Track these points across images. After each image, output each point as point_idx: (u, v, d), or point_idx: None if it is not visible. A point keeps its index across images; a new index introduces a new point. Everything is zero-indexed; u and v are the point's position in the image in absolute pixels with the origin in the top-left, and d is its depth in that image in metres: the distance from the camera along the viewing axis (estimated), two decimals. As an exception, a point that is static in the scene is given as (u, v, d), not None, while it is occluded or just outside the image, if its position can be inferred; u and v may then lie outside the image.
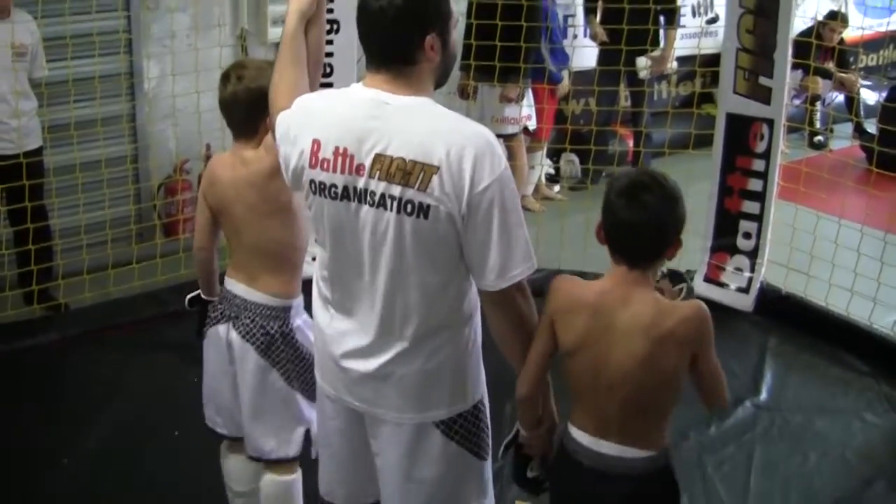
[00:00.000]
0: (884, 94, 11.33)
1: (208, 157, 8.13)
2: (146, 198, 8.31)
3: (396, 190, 3.18)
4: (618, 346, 3.38)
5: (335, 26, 7.17)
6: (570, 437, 3.56)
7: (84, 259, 7.36)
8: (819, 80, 10.61)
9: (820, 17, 10.31)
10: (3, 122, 6.82)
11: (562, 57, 9.46)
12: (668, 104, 10.59)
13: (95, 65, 7.38)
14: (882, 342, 6.85)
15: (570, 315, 3.45)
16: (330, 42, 7.15)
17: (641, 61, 9.38)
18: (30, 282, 7.16)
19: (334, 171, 3.27)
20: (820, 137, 11.02)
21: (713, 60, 8.64)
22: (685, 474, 4.08)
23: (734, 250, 7.44)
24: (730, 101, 7.33)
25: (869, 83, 12.18)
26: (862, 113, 10.91)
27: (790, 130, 8.66)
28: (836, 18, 11.04)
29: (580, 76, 9.71)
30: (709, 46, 10.15)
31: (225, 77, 4.37)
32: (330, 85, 7.15)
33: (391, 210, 3.21)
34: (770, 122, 7.14)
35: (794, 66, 7.86)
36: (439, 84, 3.43)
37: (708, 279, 7.46)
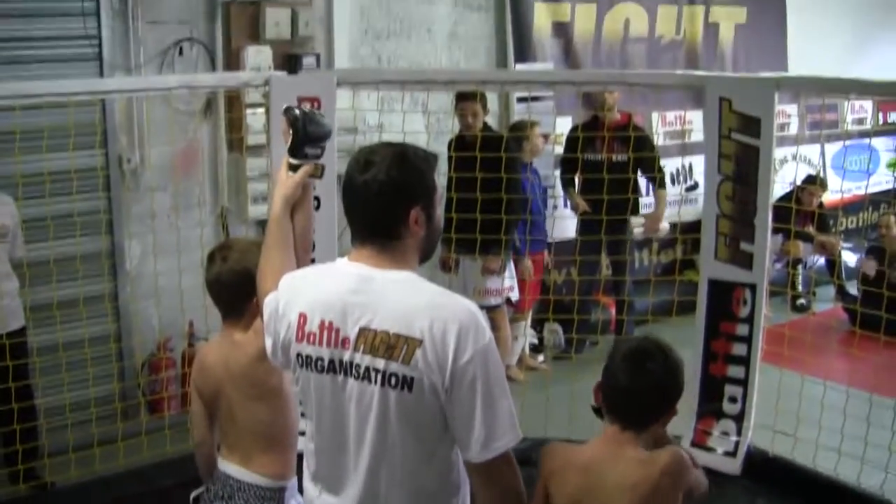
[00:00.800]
0: (862, 255, 11.45)
1: (191, 335, 8.17)
2: (130, 376, 8.29)
3: (381, 363, 3.22)
4: (612, 500, 3.42)
5: (316, 202, 7.22)
6: None
7: (69, 438, 7.28)
8: (800, 243, 10.70)
9: (798, 182, 10.43)
10: (-14, 302, 6.82)
11: (541, 229, 9.53)
12: (649, 272, 10.63)
13: (77, 245, 7.41)
14: (871, 502, 6.77)
15: (563, 475, 3.51)
16: (311, 218, 7.20)
17: (635, 221, 9.44)
18: (15, 461, 7.07)
19: (320, 344, 3.30)
20: (802, 301, 11.05)
21: (694, 227, 8.69)
22: None
23: (720, 415, 7.38)
24: (712, 267, 7.34)
25: (849, 245, 12.28)
26: (843, 275, 11.00)
27: (772, 294, 8.67)
28: (814, 182, 11.19)
29: (561, 246, 9.77)
30: (689, 213, 10.24)
31: (210, 258, 4.44)
32: (312, 261, 7.18)
33: (375, 383, 3.23)
34: (752, 287, 7.15)
35: (775, 231, 7.91)
36: (425, 257, 3.48)
37: (695, 444, 7.39)
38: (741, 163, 7.03)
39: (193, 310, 7.79)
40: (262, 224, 8.66)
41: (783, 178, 10.43)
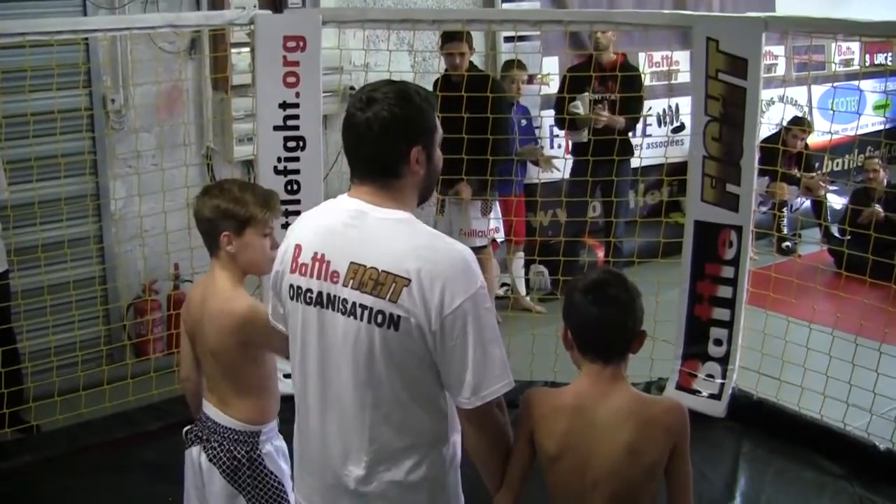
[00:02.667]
0: (846, 198, 11.45)
1: (177, 277, 8.15)
2: (115, 319, 8.27)
3: (368, 299, 3.24)
4: (602, 440, 3.41)
5: (301, 143, 7.20)
6: None
7: (55, 381, 7.29)
8: (785, 186, 10.67)
9: (785, 124, 10.40)
10: (-32, 246, 6.78)
11: (521, 169, 9.52)
12: (636, 213, 10.62)
13: (61, 186, 7.35)
14: (855, 444, 6.80)
15: (550, 421, 3.48)
16: (296, 159, 7.19)
17: (577, 105, 9.40)
18: (0, 405, 7.06)
19: (311, 276, 3.34)
20: (788, 243, 11.08)
21: (680, 169, 8.67)
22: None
23: (705, 357, 7.41)
24: (698, 209, 7.34)
25: (835, 188, 12.26)
26: (829, 217, 10.99)
27: (758, 237, 8.67)
28: (801, 124, 11.16)
29: (547, 188, 9.76)
30: (675, 155, 10.21)
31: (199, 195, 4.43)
32: (298, 202, 7.17)
33: (362, 319, 3.25)
34: (738, 229, 7.15)
35: (761, 173, 7.89)
36: (423, 198, 3.49)
37: (680, 387, 7.41)
38: (728, 104, 7.00)
39: (179, 252, 7.77)
40: (247, 164, 8.64)
41: (770, 119, 10.42)
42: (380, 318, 3.22)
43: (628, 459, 3.39)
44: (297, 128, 7.24)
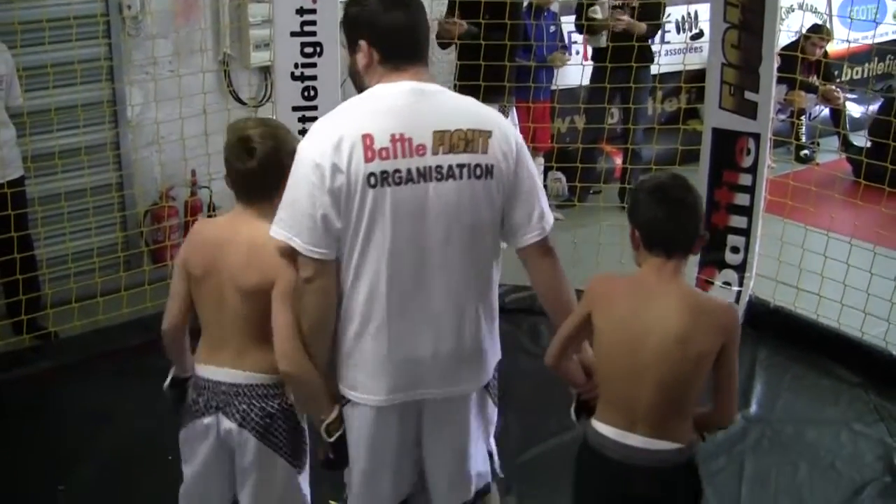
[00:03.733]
0: (874, 107, 11.35)
1: (194, 184, 8.13)
2: (132, 225, 8.27)
3: (464, 158, 3.51)
4: (655, 326, 3.51)
5: (318, 49, 7.16)
6: (595, 433, 3.67)
7: (72, 288, 7.31)
8: (804, 93, 10.59)
9: (804, 31, 10.32)
10: (-18, 151, 6.79)
11: (547, 75, 9.44)
12: (654, 121, 10.57)
13: (77, 93, 7.36)
14: (872, 352, 6.84)
15: (609, 298, 3.66)
16: (313, 65, 7.15)
17: (595, 10, 9.38)
18: (18, 312, 7.11)
19: (395, 157, 3.43)
20: (806, 151, 11.03)
21: (698, 76, 8.62)
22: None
23: (722, 265, 7.42)
24: (716, 116, 7.31)
25: (854, 96, 12.19)
26: (848, 126, 10.93)
27: (776, 145, 8.65)
28: (820, 32, 11.04)
29: (565, 94, 9.70)
30: (694, 62, 10.14)
31: (240, 148, 3.90)
32: (314, 108, 7.14)
33: (461, 178, 3.51)
34: (756, 137, 7.12)
35: (779, 81, 7.85)
36: None
37: (697, 294, 7.42)
38: (747, 11, 6.94)
39: (195, 158, 7.77)
40: (263, 70, 8.59)
41: (789, 26, 10.34)
42: (478, 170, 3.51)
43: (677, 348, 3.46)
44: (314, 34, 7.18)
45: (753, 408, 6.42)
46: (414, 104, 3.49)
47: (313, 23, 7.13)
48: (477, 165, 3.49)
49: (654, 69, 9.49)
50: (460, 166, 3.47)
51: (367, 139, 3.40)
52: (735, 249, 7.35)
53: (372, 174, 3.40)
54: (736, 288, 7.35)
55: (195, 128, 7.67)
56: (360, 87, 3.65)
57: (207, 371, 3.99)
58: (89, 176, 7.51)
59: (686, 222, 3.58)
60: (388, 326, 3.57)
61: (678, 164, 8.24)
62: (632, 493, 3.60)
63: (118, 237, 8.03)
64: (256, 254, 3.77)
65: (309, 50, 7.18)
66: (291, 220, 3.48)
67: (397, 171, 3.42)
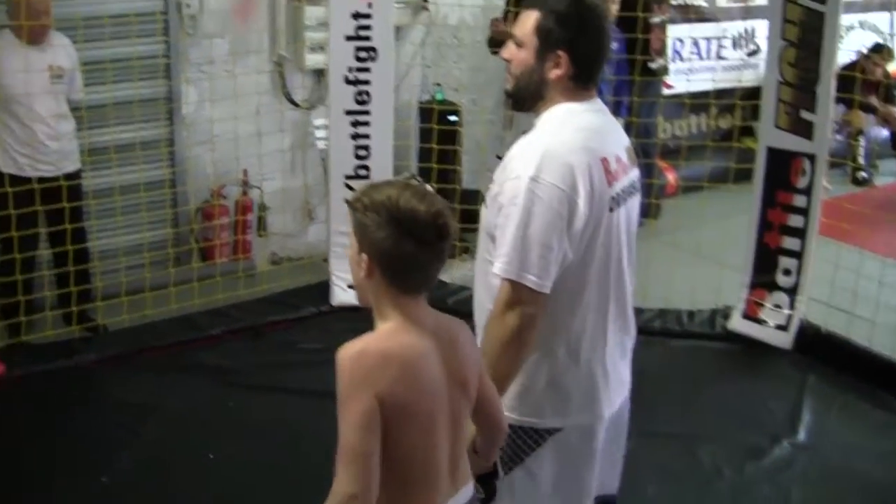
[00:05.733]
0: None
1: (245, 183, 8.15)
2: (183, 222, 8.32)
3: (636, 172, 3.58)
4: None
5: (372, 53, 7.17)
6: None
7: (122, 281, 7.36)
8: (862, 114, 10.51)
9: (864, 50, 10.24)
10: (44, 144, 6.82)
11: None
12: (706, 137, 10.50)
13: (135, 89, 7.42)
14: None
15: None
16: (367, 70, 7.17)
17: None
18: (69, 303, 7.17)
19: (620, 178, 3.43)
20: (863, 173, 10.92)
21: (754, 93, 8.57)
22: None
23: (773, 287, 7.32)
24: (771, 135, 7.24)
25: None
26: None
27: (832, 166, 8.56)
28: (880, 51, 10.96)
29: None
30: (749, 79, 10.09)
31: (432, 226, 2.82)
32: (367, 112, 7.15)
33: (637, 192, 3.60)
34: (812, 158, 7.04)
35: (837, 101, 7.77)
36: None
37: (746, 316, 7.34)
38: (806, 28, 6.88)
39: (247, 158, 7.79)
40: (318, 73, 8.59)
41: (848, 45, 10.25)
42: (638, 183, 3.60)
43: None
44: (368, 38, 7.22)
45: (801, 436, 6.26)
46: (606, 122, 3.52)
47: (368, 27, 7.18)
48: (638, 177, 3.59)
49: (708, 84, 9.42)
50: (637, 179, 3.57)
51: (604, 163, 3.31)
52: (787, 272, 7.26)
53: (612, 197, 3.34)
54: (787, 311, 7.26)
55: (248, 127, 7.69)
56: (527, 93, 3.45)
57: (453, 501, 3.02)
58: (143, 171, 7.55)
59: None
60: (578, 365, 3.45)
61: (731, 182, 8.15)
62: None
63: (169, 233, 8.08)
64: (472, 352, 3.06)
65: (363, 55, 7.21)
66: (523, 256, 3.18)
67: (623, 190, 3.42)
